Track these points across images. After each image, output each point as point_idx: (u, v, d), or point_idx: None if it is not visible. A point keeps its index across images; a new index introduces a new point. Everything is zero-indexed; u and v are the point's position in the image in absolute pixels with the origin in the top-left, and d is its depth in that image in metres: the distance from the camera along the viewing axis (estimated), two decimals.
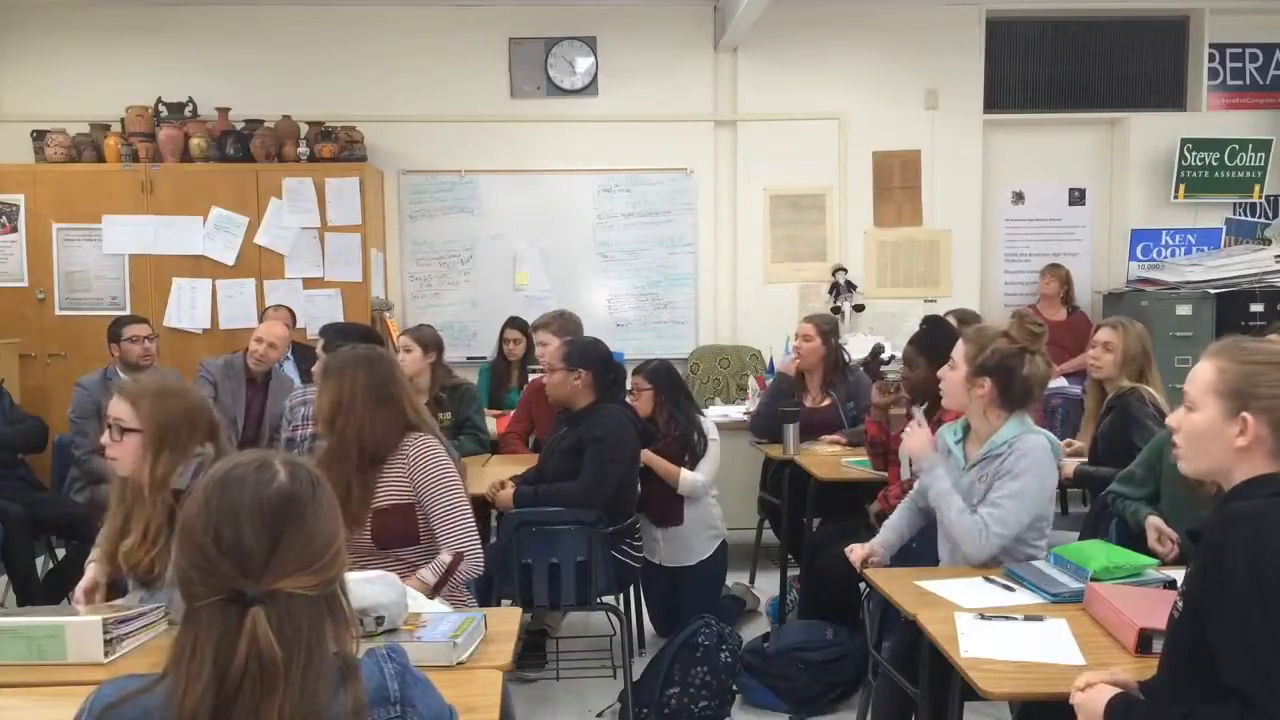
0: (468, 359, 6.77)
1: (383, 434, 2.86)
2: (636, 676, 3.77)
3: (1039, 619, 2.37)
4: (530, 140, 7.07)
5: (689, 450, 4.32)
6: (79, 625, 2.24)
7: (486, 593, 3.53)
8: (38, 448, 5.01)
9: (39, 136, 6.51)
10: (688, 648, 3.70)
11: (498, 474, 4.22)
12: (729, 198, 7.22)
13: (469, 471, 4.08)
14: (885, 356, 5.90)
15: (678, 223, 7.17)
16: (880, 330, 6.97)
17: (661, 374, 4.42)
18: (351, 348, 3.03)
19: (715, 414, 5.30)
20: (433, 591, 2.74)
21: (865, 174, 7.24)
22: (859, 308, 7.14)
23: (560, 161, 7.07)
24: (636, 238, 7.15)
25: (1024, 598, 2.55)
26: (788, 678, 3.77)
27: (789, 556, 4.76)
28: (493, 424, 5.09)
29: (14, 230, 6.37)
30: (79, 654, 2.22)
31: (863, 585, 2.94)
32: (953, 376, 2.96)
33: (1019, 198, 7.49)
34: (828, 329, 5.03)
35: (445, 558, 2.82)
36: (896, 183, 7.27)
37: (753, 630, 4.44)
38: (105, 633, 2.24)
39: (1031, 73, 7.40)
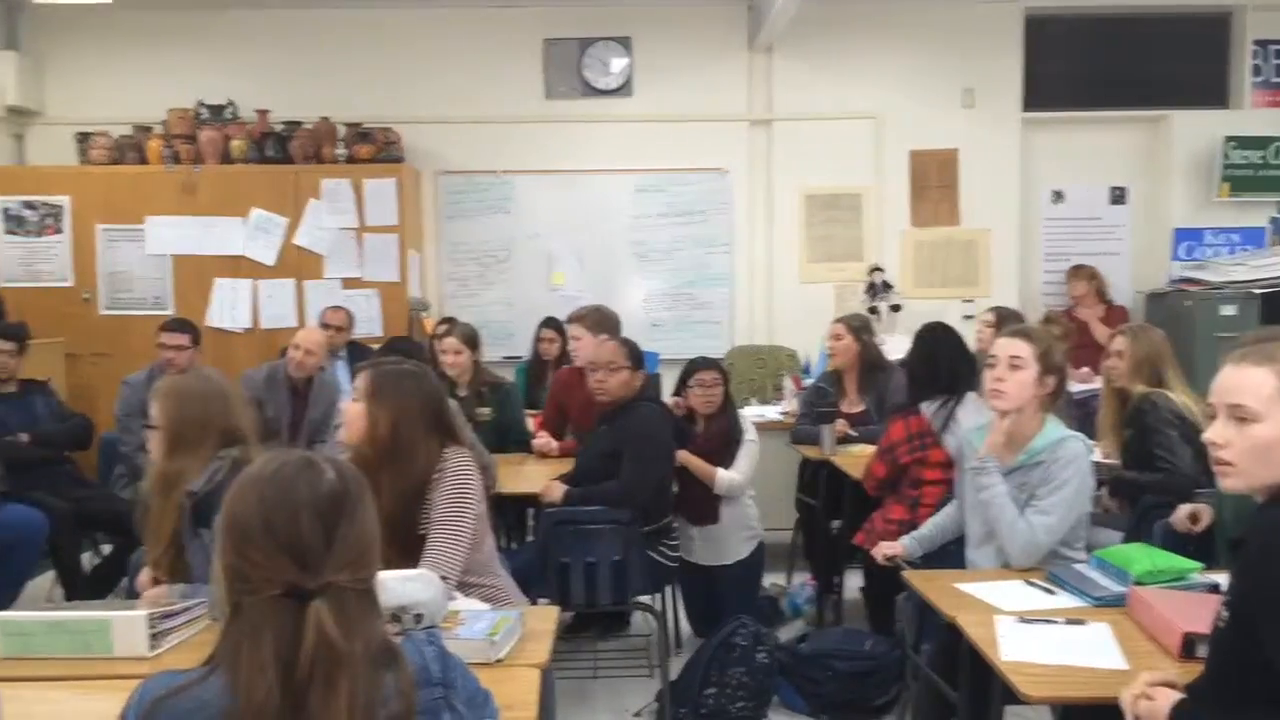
0: (504, 358, 6.79)
1: (428, 462, 2.67)
2: (674, 676, 3.77)
3: (1080, 623, 2.35)
4: (566, 141, 7.09)
5: (728, 449, 4.31)
6: (124, 620, 2.28)
7: (524, 591, 3.54)
8: (84, 445, 5.10)
9: (83, 139, 6.61)
10: (725, 648, 3.70)
11: (535, 473, 4.25)
12: (764, 198, 7.20)
13: (506, 471, 4.13)
14: None
15: (713, 223, 7.17)
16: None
17: (727, 371, 4.43)
18: (396, 362, 2.82)
19: (751, 414, 5.29)
20: None
21: (902, 173, 7.19)
22: (895, 308, 7.09)
23: (595, 162, 7.09)
24: (672, 238, 7.16)
25: (1065, 601, 2.53)
26: (816, 682, 3.74)
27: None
28: (530, 423, 5.11)
29: (59, 231, 6.48)
30: (125, 648, 2.25)
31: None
32: (1023, 377, 2.85)
33: (1058, 197, 7.42)
34: (858, 326, 5.00)
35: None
36: (933, 182, 7.22)
37: (790, 632, 4.43)
38: (150, 627, 2.27)
39: (1071, 70, 7.31)
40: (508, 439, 4.70)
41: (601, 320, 4.88)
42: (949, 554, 3.18)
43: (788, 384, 5.94)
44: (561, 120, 7.08)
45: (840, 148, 7.14)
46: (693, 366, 4.42)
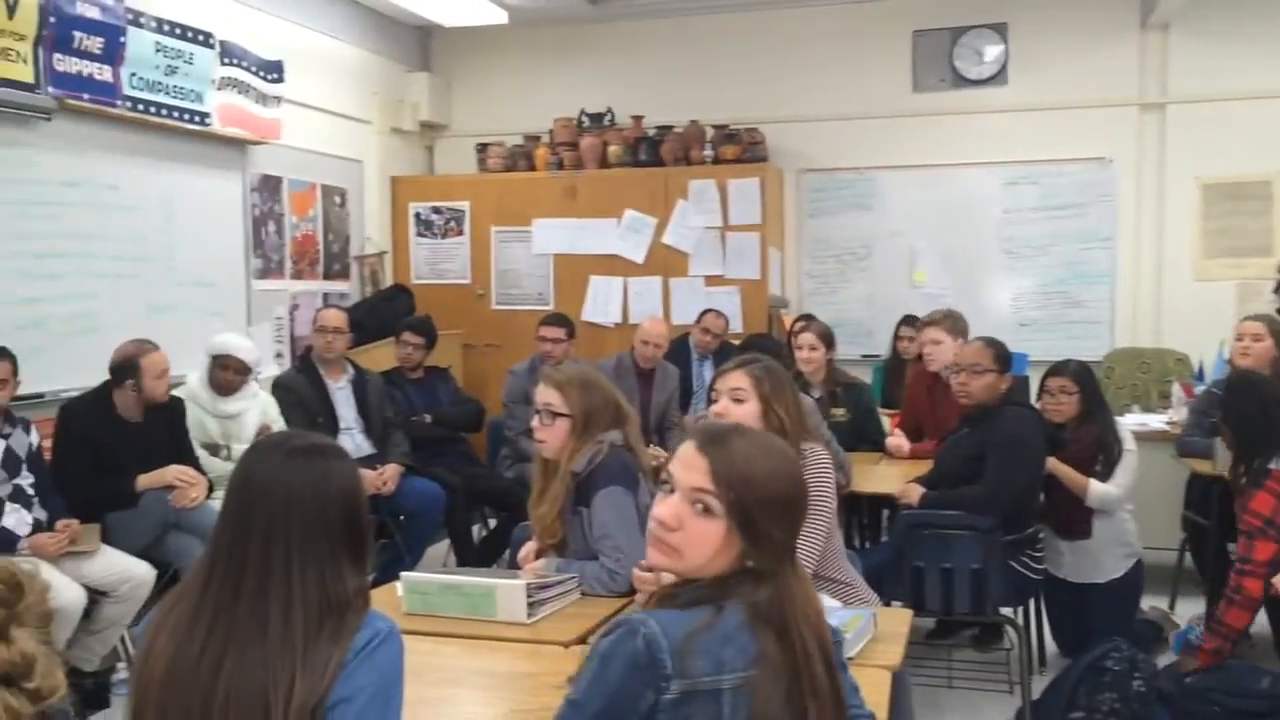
0: (862, 356, 6.72)
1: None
2: (1036, 696, 3.58)
3: None
4: (932, 134, 6.89)
5: (1103, 459, 4.01)
6: (507, 588, 2.51)
7: (878, 592, 3.50)
8: (475, 427, 5.66)
9: (481, 149, 7.28)
10: (1095, 671, 3.45)
11: (890, 473, 4.19)
12: (1154, 188, 6.62)
13: (861, 470, 4.10)
14: None
15: (1093, 216, 6.68)
16: None
17: (1086, 375, 4.15)
18: (757, 359, 2.87)
19: (1133, 422, 4.89)
20: None
21: None
22: None
23: (964, 155, 6.82)
24: (1046, 232, 6.75)
25: None
26: (1201, 718, 3.40)
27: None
28: (886, 423, 5.04)
29: (461, 234, 7.19)
30: (506, 613, 2.48)
31: None
32: None
33: None
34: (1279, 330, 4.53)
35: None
36: None
37: (1169, 659, 4.06)
38: (528, 596, 2.48)
39: None
40: (862, 439, 4.67)
41: (958, 322, 4.75)
42: None
43: (1176, 390, 5.43)
44: (929, 114, 6.88)
45: (1247, 131, 6.41)
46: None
